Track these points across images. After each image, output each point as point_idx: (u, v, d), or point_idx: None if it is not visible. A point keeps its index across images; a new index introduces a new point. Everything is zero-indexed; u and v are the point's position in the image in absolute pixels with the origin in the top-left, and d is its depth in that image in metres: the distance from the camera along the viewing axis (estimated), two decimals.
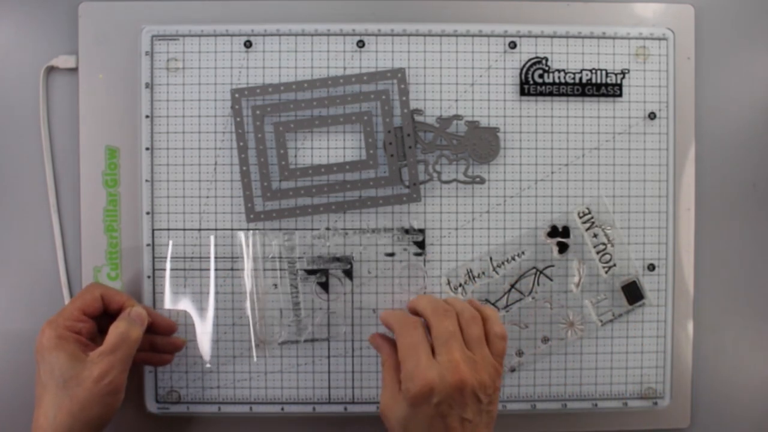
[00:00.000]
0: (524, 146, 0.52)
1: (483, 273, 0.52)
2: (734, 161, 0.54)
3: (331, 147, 0.51)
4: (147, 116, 0.51)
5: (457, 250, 0.52)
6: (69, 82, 0.52)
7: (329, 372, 0.52)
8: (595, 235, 0.52)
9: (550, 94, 0.51)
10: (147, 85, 0.51)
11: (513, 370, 0.52)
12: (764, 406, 0.54)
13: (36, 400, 0.43)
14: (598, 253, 0.52)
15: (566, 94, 0.52)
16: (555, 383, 0.52)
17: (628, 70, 0.52)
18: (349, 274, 0.52)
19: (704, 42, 0.53)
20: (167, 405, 0.52)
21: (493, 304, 0.52)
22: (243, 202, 0.51)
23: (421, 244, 0.52)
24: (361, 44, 0.51)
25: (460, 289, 0.51)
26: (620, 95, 0.52)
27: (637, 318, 0.52)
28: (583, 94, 0.52)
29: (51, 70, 0.52)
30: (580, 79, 0.52)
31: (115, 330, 0.44)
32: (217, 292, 0.51)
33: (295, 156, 0.51)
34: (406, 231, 0.51)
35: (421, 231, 0.52)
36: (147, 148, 0.51)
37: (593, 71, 0.52)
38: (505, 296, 0.52)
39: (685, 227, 0.53)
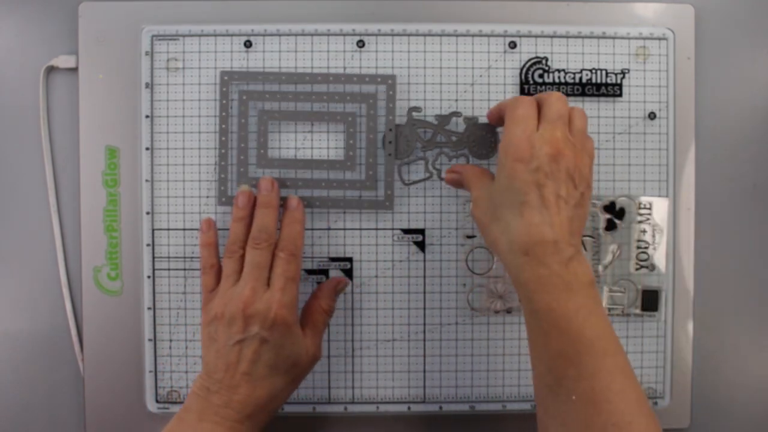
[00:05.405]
0: None
1: None
2: (734, 161, 0.54)
3: (315, 143, 0.51)
4: (147, 116, 0.51)
5: (457, 250, 0.52)
6: (69, 82, 0.52)
7: (329, 372, 0.52)
8: (644, 231, 0.51)
9: None
10: (147, 85, 0.51)
11: None
12: (764, 406, 0.54)
13: None
14: (638, 248, 0.51)
15: (566, 94, 0.51)
16: None
17: (628, 70, 0.52)
18: (349, 274, 0.52)
19: (704, 42, 0.53)
20: (167, 405, 0.52)
21: None
22: (216, 186, 0.51)
23: (421, 244, 0.52)
24: (361, 44, 0.51)
25: None
26: (620, 95, 0.52)
27: (637, 317, 0.52)
28: (583, 94, 0.52)
29: (51, 70, 0.52)
30: (580, 79, 0.52)
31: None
32: None
33: (279, 148, 0.51)
34: (406, 231, 0.52)
35: (421, 231, 0.52)
36: (147, 148, 0.51)
37: (593, 71, 0.52)
38: None
39: (685, 227, 0.53)
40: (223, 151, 0.51)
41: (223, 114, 0.50)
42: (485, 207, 0.44)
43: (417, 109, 0.51)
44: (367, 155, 0.51)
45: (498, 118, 0.47)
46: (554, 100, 0.43)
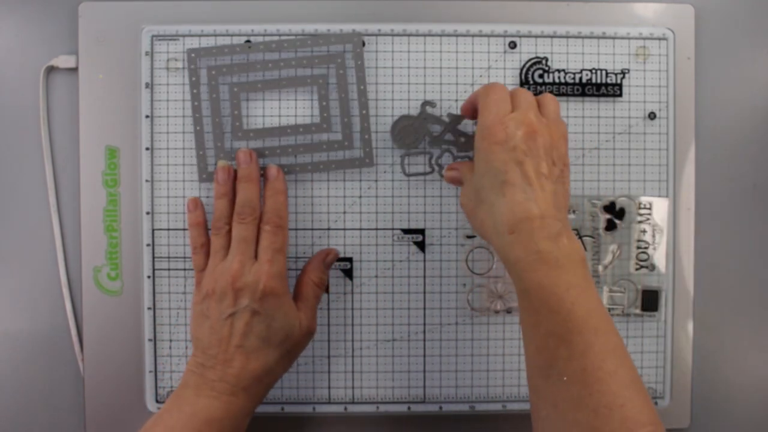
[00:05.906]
0: None
1: None
2: (734, 161, 0.54)
3: (288, 109, 0.51)
4: (147, 116, 0.51)
5: (457, 250, 0.52)
6: (69, 82, 0.52)
7: (329, 372, 0.52)
8: (644, 231, 0.51)
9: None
10: (147, 85, 0.51)
11: None
12: (764, 406, 0.54)
13: None
14: (638, 248, 0.51)
15: (566, 94, 0.52)
16: None
17: (628, 70, 0.52)
18: (349, 274, 0.52)
19: (704, 42, 0.53)
20: None
21: None
22: (196, 163, 0.51)
23: (421, 244, 0.52)
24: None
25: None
26: (620, 95, 0.52)
27: (637, 317, 0.52)
28: (583, 94, 0.52)
29: (51, 70, 0.52)
30: (580, 79, 0.52)
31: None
32: None
33: (255, 116, 0.51)
34: (406, 231, 0.52)
35: (421, 231, 0.52)
36: (147, 148, 0.51)
37: (593, 71, 0.52)
38: None
39: (685, 227, 0.53)
40: (198, 128, 0.50)
41: (194, 91, 0.50)
42: (470, 194, 0.45)
43: (431, 103, 0.51)
44: (341, 114, 0.51)
45: (472, 110, 0.47)
46: (522, 92, 0.44)
